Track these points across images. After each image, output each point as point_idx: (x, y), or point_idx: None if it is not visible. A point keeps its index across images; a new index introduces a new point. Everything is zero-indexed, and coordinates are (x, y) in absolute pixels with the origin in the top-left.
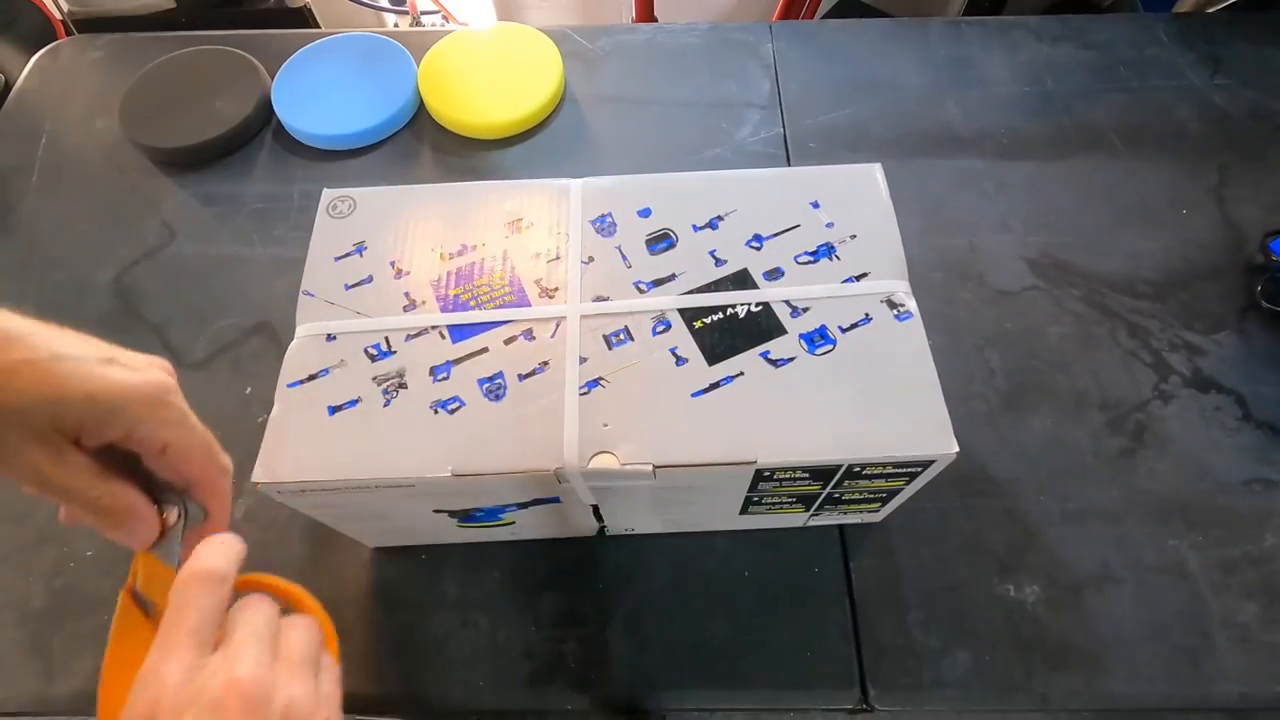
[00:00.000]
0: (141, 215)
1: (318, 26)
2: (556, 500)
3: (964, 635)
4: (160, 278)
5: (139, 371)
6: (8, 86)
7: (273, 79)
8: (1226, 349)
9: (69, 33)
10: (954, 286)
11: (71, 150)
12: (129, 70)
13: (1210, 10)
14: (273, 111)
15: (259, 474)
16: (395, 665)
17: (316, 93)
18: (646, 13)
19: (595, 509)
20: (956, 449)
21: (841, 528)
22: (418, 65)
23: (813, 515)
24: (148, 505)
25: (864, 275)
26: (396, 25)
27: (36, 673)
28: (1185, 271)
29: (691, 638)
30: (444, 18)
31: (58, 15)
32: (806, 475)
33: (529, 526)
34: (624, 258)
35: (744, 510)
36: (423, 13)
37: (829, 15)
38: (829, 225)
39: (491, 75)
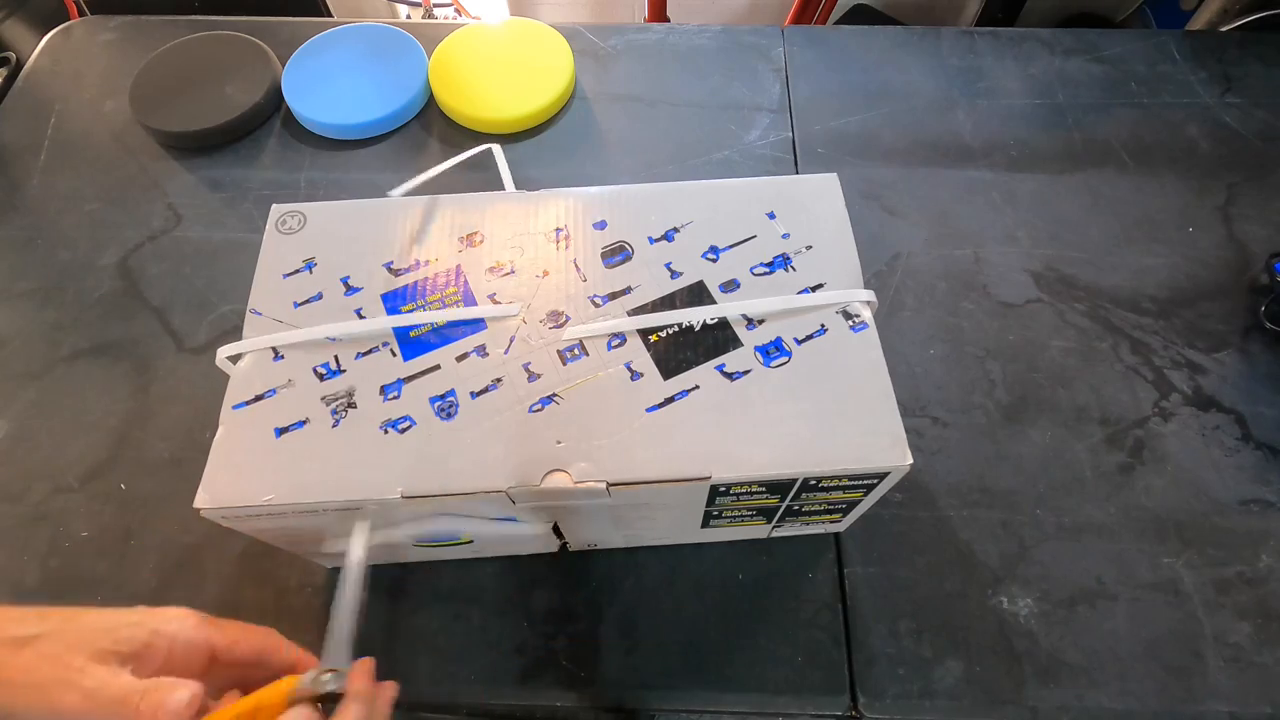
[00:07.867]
0: (148, 198)
1: (330, 15)
2: (513, 520)
3: (955, 646)
4: (165, 261)
5: None
6: (19, 65)
7: (284, 66)
8: (1228, 368)
9: (82, 13)
10: (958, 297)
11: (80, 131)
12: (140, 52)
13: (1224, 29)
14: (283, 99)
15: (201, 499)
16: (384, 656)
17: (327, 82)
18: (659, 13)
19: (555, 526)
20: (910, 460)
21: (837, 534)
22: (429, 57)
23: (775, 527)
24: None
25: (820, 286)
26: (409, 16)
27: None
28: (1190, 289)
29: (683, 639)
30: (456, 10)
31: None
32: (763, 489)
33: (488, 545)
34: (579, 271)
35: (705, 524)
36: (435, 5)
37: (841, 21)
38: (785, 236)
39: (502, 70)
